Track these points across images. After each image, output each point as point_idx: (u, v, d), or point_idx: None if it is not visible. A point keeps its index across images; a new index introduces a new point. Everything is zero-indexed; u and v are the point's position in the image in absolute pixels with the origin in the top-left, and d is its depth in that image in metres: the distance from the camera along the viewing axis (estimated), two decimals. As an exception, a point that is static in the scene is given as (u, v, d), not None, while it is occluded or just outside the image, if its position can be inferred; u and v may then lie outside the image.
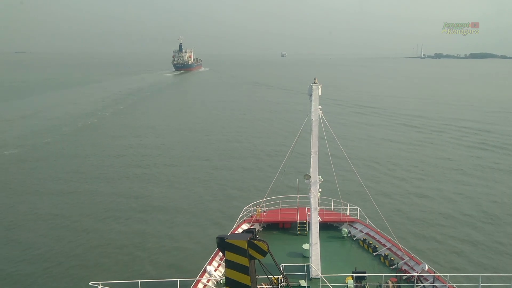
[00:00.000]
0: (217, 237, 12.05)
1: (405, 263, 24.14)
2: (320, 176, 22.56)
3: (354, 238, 28.18)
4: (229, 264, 11.88)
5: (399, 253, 25.18)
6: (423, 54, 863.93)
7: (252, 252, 11.65)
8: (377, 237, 27.47)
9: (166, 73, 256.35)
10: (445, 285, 21.14)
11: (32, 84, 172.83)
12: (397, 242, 25.82)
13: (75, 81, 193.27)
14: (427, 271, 22.57)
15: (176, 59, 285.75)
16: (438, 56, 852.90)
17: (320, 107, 22.11)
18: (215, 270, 23.24)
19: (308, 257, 24.15)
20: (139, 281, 20.00)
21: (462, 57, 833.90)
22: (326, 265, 23.17)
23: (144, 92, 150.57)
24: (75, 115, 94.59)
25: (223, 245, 11.85)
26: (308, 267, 22.64)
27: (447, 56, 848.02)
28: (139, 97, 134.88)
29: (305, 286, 21.64)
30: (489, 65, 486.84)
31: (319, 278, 21.31)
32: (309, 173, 22.39)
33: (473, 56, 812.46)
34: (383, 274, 21.40)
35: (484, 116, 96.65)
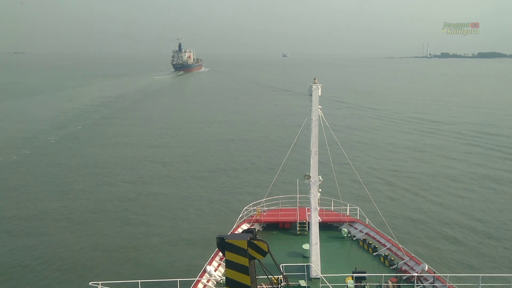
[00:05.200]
0: (217, 237, 12.04)
1: (405, 263, 24.14)
2: (320, 176, 22.58)
3: (354, 238, 28.18)
4: (229, 264, 11.87)
5: (399, 253, 25.17)
6: (429, 54, 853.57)
7: (252, 252, 11.64)
8: (377, 237, 27.47)
9: (160, 75, 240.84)
10: (445, 285, 21.14)
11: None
12: (397, 242, 25.82)
13: (48, 86, 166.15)
14: (427, 271, 22.57)
15: (175, 59, 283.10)
16: (445, 55, 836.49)
17: (320, 107, 22.14)
18: (215, 270, 23.24)
19: (308, 257, 24.16)
20: (139, 281, 20.00)
21: (470, 57, 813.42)
22: (326, 265, 23.17)
23: (124, 101, 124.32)
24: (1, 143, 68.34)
25: (223, 245, 11.84)
26: (308, 267, 22.65)
27: (454, 56, 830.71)
28: (112, 109, 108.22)
29: (305, 286, 21.64)
30: (502, 65, 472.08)
31: (319, 278, 21.32)
32: (309, 173, 22.41)
33: (482, 55, 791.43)
34: (383, 274, 21.41)
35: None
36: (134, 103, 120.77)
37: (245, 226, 28.68)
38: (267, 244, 11.63)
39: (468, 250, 33.33)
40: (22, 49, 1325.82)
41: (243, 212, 30.31)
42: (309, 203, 23.62)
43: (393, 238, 26.17)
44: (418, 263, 23.53)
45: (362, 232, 28.47)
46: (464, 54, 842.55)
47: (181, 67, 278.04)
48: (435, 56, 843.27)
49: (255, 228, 28.37)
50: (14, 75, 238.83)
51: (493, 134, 76.23)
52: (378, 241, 27.09)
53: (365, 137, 74.71)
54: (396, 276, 22.62)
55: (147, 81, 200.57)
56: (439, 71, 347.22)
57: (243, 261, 11.64)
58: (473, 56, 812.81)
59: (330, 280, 20.66)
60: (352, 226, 29.55)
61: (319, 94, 22.04)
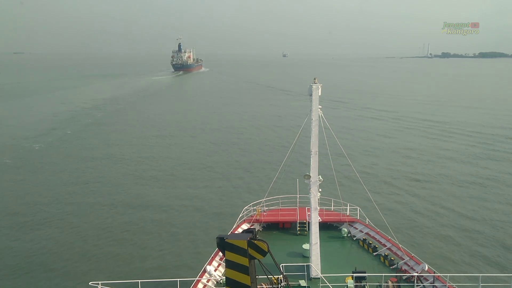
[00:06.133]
0: (217, 237, 12.03)
1: (405, 263, 24.15)
2: (320, 176, 22.59)
3: (354, 238, 28.19)
4: (229, 264, 11.86)
5: (399, 253, 25.18)
6: (430, 54, 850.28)
7: (252, 252, 11.63)
8: (377, 237, 27.49)
9: (159, 76, 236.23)
10: (445, 285, 21.15)
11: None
12: (397, 242, 25.83)
13: (43, 87, 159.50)
14: (427, 271, 22.58)
15: (175, 59, 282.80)
16: (446, 55, 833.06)
17: (320, 107, 22.17)
18: (215, 270, 23.26)
19: (308, 257, 24.17)
20: (139, 281, 20.02)
21: (471, 57, 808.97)
22: (326, 265, 23.18)
23: (119, 103, 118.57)
24: None
25: (223, 245, 11.83)
26: (308, 267, 22.66)
27: (455, 56, 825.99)
28: (106, 112, 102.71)
29: (305, 286, 21.66)
30: (505, 65, 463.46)
31: (319, 278, 21.33)
32: (309, 173, 22.42)
33: (483, 55, 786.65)
34: (383, 274, 21.42)
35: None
36: (130, 105, 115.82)
37: (245, 226, 28.70)
38: (267, 244, 11.62)
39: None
40: (21, 49, 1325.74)
41: (243, 212, 30.33)
42: (309, 203, 23.63)
43: (393, 238, 26.18)
44: (418, 263, 23.54)
45: (362, 232, 28.47)
46: (465, 54, 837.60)
47: (181, 67, 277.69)
48: (436, 56, 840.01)
49: (255, 228, 28.39)
50: (9, 75, 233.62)
51: (498, 136, 76.25)
52: (378, 241, 27.09)
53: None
54: (396, 276, 22.62)
55: (146, 82, 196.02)
56: (442, 71, 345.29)
57: (243, 261, 11.64)
58: (475, 56, 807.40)
59: (330, 280, 20.66)
60: (352, 226, 29.55)
61: (319, 94, 22.09)
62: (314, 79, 22.36)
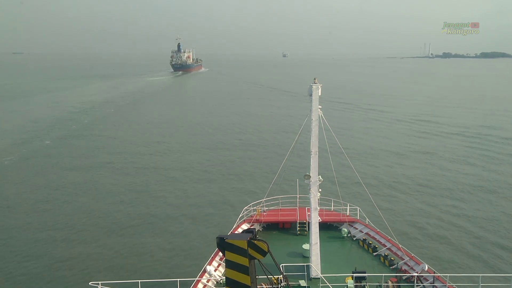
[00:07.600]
0: (217, 237, 12.04)
1: (405, 263, 24.15)
2: (320, 176, 22.59)
3: (354, 238, 28.19)
4: (229, 264, 11.87)
5: (399, 253, 25.18)
6: (431, 54, 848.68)
7: (252, 252, 11.64)
8: (377, 237, 27.48)
9: (157, 76, 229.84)
10: (445, 285, 21.15)
11: None
12: (397, 242, 25.83)
13: (32, 89, 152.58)
14: (427, 271, 22.58)
15: (174, 59, 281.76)
16: (447, 55, 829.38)
17: (320, 107, 22.18)
18: (215, 270, 23.26)
19: (308, 257, 24.17)
20: (139, 281, 20.01)
21: (472, 57, 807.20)
22: (326, 265, 23.18)
23: (110, 106, 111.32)
24: None
25: (223, 245, 11.84)
26: (308, 267, 22.66)
27: (456, 56, 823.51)
28: (94, 117, 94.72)
29: (305, 286, 21.66)
30: (508, 65, 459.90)
31: (319, 278, 21.33)
32: (309, 173, 22.42)
33: (484, 55, 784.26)
34: (383, 274, 21.43)
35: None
36: (124, 109, 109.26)
37: (245, 226, 28.69)
38: (267, 244, 11.63)
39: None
40: (21, 49, 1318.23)
41: (243, 212, 30.32)
42: (309, 203, 23.63)
43: (393, 238, 26.17)
44: (418, 263, 23.54)
45: (362, 232, 28.47)
46: (467, 54, 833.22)
47: (180, 67, 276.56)
48: (437, 56, 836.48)
49: (255, 228, 28.35)
50: (4, 76, 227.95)
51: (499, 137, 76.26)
52: (378, 241, 27.09)
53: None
54: (396, 276, 22.62)
55: (143, 83, 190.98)
56: (446, 71, 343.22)
57: (243, 261, 11.64)
58: (476, 56, 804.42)
59: (330, 280, 20.66)
60: (352, 226, 29.55)
61: (319, 94, 22.10)
62: (314, 79, 22.38)
